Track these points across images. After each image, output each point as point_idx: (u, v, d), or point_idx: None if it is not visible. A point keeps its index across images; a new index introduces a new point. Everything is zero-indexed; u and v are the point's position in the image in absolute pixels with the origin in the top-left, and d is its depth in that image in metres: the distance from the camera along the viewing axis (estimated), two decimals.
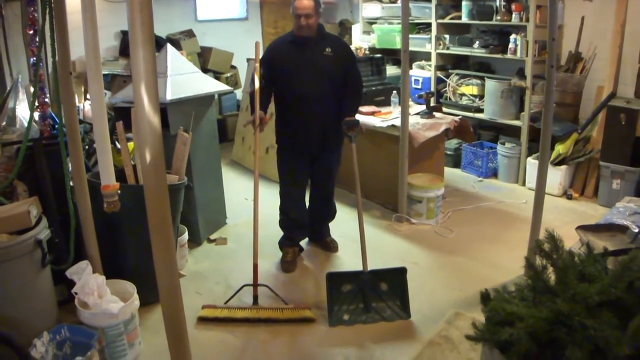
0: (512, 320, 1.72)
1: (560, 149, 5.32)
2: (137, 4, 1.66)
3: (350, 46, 6.93)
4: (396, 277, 3.54)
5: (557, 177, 5.33)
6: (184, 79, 4.24)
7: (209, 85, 4.50)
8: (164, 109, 3.88)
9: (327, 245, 4.38)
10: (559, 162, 5.35)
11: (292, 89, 3.87)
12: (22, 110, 4.46)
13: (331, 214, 4.39)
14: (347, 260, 4.19)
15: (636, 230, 2.75)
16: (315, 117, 3.86)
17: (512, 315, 1.72)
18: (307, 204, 4.32)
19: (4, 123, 4.30)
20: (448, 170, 5.93)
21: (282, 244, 4.25)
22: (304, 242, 4.41)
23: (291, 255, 4.19)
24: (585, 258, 1.90)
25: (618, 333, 1.60)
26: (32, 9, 4.05)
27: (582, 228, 2.95)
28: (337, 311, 3.44)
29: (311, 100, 3.83)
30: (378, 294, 3.52)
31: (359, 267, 3.57)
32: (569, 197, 5.34)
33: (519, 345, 1.65)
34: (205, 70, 7.01)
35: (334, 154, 4.09)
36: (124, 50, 6.77)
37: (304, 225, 4.27)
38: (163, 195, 1.89)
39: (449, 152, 6.22)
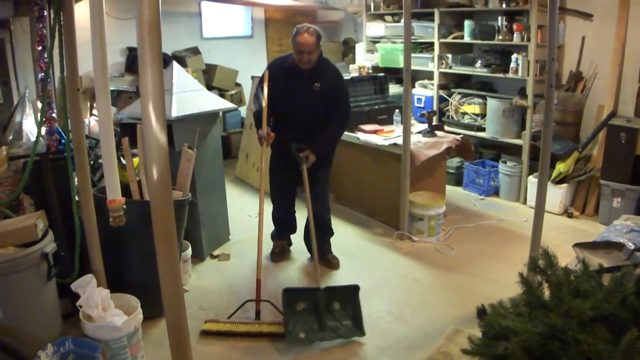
0: (508, 334, 1.75)
1: (561, 167, 5.35)
2: (146, 26, 1.72)
3: (354, 65, 7.04)
4: (349, 296, 3.57)
5: (558, 195, 5.36)
6: (189, 96, 4.29)
7: (214, 102, 4.55)
8: (169, 126, 3.91)
9: (329, 262, 4.40)
10: (560, 181, 5.38)
11: (279, 109, 4.06)
12: (29, 125, 4.53)
13: (327, 228, 4.41)
14: (347, 276, 4.21)
15: (632, 248, 2.78)
16: (295, 139, 4.02)
17: (507, 330, 1.75)
18: (308, 216, 4.37)
19: (11, 137, 4.37)
20: (450, 189, 5.96)
21: (272, 236, 4.59)
22: (306, 255, 4.51)
23: (279, 248, 4.57)
24: (580, 274, 1.93)
25: (611, 347, 1.63)
26: (41, 25, 4.12)
27: (578, 245, 2.97)
28: (292, 329, 3.40)
29: (293, 124, 4.08)
30: (331, 312, 3.54)
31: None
32: (570, 216, 5.36)
33: (514, 359, 1.69)
34: (210, 87, 7.07)
35: (318, 170, 4.14)
36: (130, 66, 6.85)
37: (288, 221, 4.53)
38: (169, 210, 1.94)
39: (450, 171, 6.25)
